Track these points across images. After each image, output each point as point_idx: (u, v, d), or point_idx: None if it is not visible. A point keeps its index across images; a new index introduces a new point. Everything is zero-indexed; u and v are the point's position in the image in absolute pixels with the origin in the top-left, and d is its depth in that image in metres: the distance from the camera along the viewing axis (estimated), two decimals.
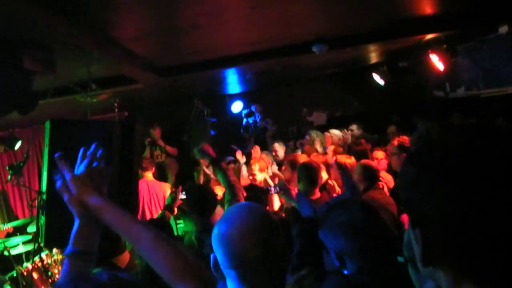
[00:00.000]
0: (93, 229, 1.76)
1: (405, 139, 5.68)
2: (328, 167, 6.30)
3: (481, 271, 0.90)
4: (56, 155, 1.78)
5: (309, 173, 5.06)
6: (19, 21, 4.04)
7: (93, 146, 1.87)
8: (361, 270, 2.32)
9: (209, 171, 8.83)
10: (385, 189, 5.46)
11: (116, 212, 1.69)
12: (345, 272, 2.41)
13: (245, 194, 4.23)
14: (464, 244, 0.90)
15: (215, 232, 1.91)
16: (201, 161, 8.84)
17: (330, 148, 7.09)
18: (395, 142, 5.83)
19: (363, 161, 5.55)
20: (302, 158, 6.35)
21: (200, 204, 4.30)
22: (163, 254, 1.59)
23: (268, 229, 1.88)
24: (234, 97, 12.01)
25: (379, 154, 6.68)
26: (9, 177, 7.35)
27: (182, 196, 5.34)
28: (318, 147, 7.84)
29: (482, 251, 0.88)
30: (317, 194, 5.06)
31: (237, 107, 11.91)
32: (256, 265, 1.83)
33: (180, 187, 5.30)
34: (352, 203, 2.63)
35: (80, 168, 1.78)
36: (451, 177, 0.90)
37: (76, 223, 1.75)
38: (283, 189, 4.71)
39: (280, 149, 8.82)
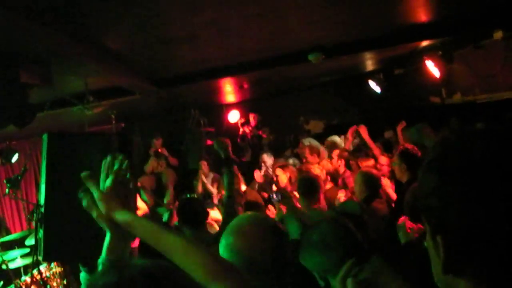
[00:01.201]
0: (124, 241, 1.76)
1: (408, 146, 5.60)
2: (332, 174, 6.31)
3: (503, 278, 0.89)
4: (83, 174, 1.77)
5: (305, 186, 4.95)
6: (16, 35, 4.05)
7: (116, 159, 1.87)
8: None
9: (207, 180, 8.84)
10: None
11: (145, 226, 1.69)
12: None
13: (242, 203, 4.23)
14: (486, 251, 0.90)
15: (223, 243, 1.94)
16: (200, 171, 8.86)
17: (335, 153, 7.06)
18: (398, 150, 5.79)
19: (364, 169, 5.53)
20: (315, 167, 6.29)
21: (190, 217, 4.31)
22: (196, 258, 1.58)
23: (276, 238, 1.91)
24: (231, 106, 12.02)
25: (383, 159, 6.67)
26: (6, 190, 7.32)
27: None
28: (307, 155, 7.83)
29: (504, 258, 0.88)
30: (322, 202, 4.90)
31: (233, 116, 11.91)
32: (265, 273, 1.85)
33: (177, 204, 5.33)
34: (321, 222, 2.64)
35: (106, 184, 1.77)
36: (473, 184, 0.90)
37: (107, 236, 1.75)
38: (285, 197, 4.71)
39: (268, 160, 8.87)
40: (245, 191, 6.82)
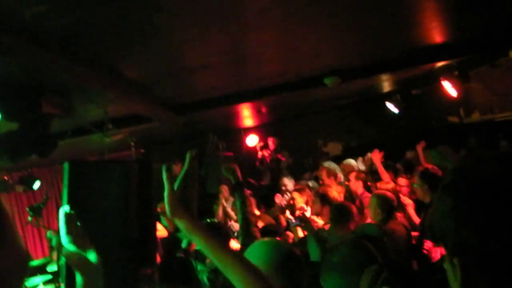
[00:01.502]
0: None
1: (428, 166, 5.56)
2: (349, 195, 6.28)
3: None
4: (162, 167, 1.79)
5: (337, 214, 4.93)
6: (38, 67, 4.15)
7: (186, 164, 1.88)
8: None
9: (227, 204, 8.85)
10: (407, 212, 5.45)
11: (205, 237, 1.71)
12: None
13: (259, 226, 4.22)
14: (502, 272, 0.90)
15: None
16: (220, 195, 8.88)
17: (352, 175, 7.03)
18: (418, 172, 5.75)
19: (378, 191, 5.51)
20: (332, 190, 6.28)
21: None
22: (247, 275, 1.61)
23: (293, 264, 1.92)
24: (249, 130, 12.06)
25: (402, 181, 6.62)
26: (29, 218, 7.42)
27: None
28: (324, 177, 7.80)
29: None
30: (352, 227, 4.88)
31: (252, 140, 11.95)
32: None
33: None
34: (342, 244, 2.66)
35: (175, 185, 1.79)
36: (488, 206, 0.91)
37: None
38: (304, 222, 4.69)
39: (289, 183, 8.85)
40: (259, 216, 6.80)
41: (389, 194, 5.30)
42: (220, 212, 8.74)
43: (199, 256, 5.39)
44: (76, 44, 4.01)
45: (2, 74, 4.16)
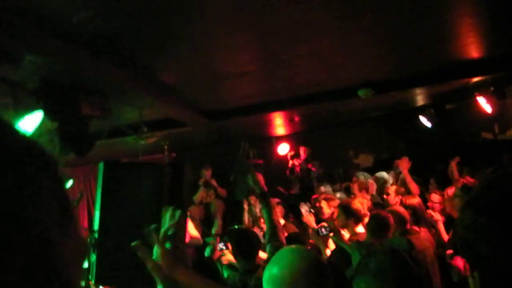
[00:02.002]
0: None
1: (469, 180, 5.51)
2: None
3: None
4: (133, 244, 1.83)
5: (376, 223, 4.91)
6: (80, 70, 4.29)
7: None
8: None
9: (256, 210, 8.89)
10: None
11: (205, 285, 1.76)
12: None
13: (285, 235, 4.24)
14: None
15: (266, 274, 1.98)
16: (244, 201, 8.92)
17: (392, 189, 6.92)
18: (459, 184, 5.71)
19: (390, 208, 5.49)
20: (356, 202, 6.25)
21: (243, 247, 4.37)
22: None
23: (319, 273, 1.94)
24: (281, 139, 12.09)
25: (435, 197, 6.54)
26: None
27: (221, 246, 5.44)
28: (356, 191, 7.71)
29: None
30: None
31: (283, 149, 11.97)
32: None
33: (218, 239, 5.39)
34: (379, 251, 2.68)
35: (167, 244, 1.83)
36: (507, 220, 0.94)
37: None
38: (333, 231, 4.68)
39: (327, 190, 8.81)
40: (283, 225, 6.78)
41: (400, 209, 5.24)
42: (246, 218, 8.78)
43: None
44: (117, 47, 4.13)
45: (46, 75, 4.30)
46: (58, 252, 0.54)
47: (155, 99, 5.78)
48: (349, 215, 5.40)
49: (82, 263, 0.67)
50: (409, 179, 6.85)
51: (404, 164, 6.99)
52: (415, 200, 5.77)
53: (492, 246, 0.95)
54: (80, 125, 4.81)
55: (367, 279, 2.45)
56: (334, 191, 9.20)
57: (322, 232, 4.85)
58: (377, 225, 4.82)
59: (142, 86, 5.21)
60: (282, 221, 7.33)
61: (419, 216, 5.43)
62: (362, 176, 8.91)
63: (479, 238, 0.98)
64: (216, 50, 4.73)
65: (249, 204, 8.90)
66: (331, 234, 4.79)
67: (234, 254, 4.50)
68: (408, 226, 5.05)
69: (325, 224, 5.29)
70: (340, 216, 5.65)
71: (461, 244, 1.05)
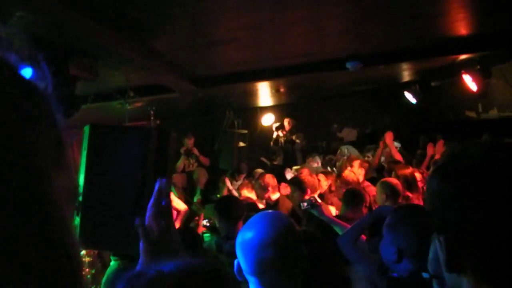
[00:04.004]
0: None
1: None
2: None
3: (500, 276, 0.96)
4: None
5: (350, 197, 5.00)
6: (69, 29, 4.23)
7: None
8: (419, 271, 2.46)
9: (234, 186, 8.94)
10: None
11: None
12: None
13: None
14: (483, 250, 0.96)
15: (239, 239, 1.98)
16: (223, 176, 8.95)
17: (356, 163, 6.98)
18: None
19: (383, 179, 5.54)
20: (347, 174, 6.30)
21: (228, 209, 4.40)
22: None
23: (290, 238, 1.95)
24: (266, 109, 12.10)
25: (416, 175, 6.54)
26: None
27: (205, 223, 5.50)
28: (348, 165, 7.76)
29: (501, 256, 0.95)
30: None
31: (268, 120, 11.99)
32: (277, 272, 1.90)
33: (202, 215, 5.45)
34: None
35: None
36: (469, 187, 0.98)
37: None
38: (312, 205, 4.72)
39: (313, 164, 8.88)
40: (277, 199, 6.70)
41: (393, 180, 5.32)
42: (225, 191, 8.82)
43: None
44: (108, 8, 4.09)
45: (32, 33, 4.24)
46: (52, 184, 0.54)
47: (143, 63, 5.74)
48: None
49: (74, 200, 0.68)
50: (394, 150, 6.96)
51: (389, 137, 7.10)
52: (408, 170, 5.82)
53: (457, 213, 0.99)
54: (67, 86, 4.76)
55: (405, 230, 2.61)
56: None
57: (303, 206, 4.88)
58: (351, 197, 4.92)
59: (130, 49, 5.16)
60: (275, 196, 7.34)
61: (410, 183, 5.47)
62: (345, 149, 8.98)
63: (445, 205, 1.02)
64: (205, 14, 4.69)
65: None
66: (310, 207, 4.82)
67: (217, 216, 4.53)
68: (400, 200, 5.12)
69: (315, 196, 5.34)
70: (339, 189, 5.76)
71: (428, 210, 1.10)
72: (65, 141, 0.66)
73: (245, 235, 1.95)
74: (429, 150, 7.27)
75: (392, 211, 3.06)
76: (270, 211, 2.42)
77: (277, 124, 11.83)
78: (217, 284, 1.32)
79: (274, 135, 11.78)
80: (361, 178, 6.69)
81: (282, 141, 11.64)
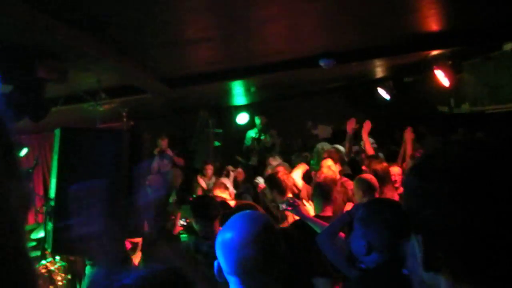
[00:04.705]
0: None
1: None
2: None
3: (478, 275, 0.94)
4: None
5: (320, 190, 4.97)
6: (35, 30, 4.13)
7: None
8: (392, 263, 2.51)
9: (204, 184, 8.91)
10: None
11: None
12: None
13: None
14: (460, 249, 0.95)
15: (219, 239, 1.98)
16: (198, 176, 8.91)
17: (326, 163, 6.93)
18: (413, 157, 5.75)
19: (359, 175, 5.55)
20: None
21: (203, 209, 4.36)
22: None
23: (270, 238, 1.95)
24: (240, 108, 12.07)
25: (395, 169, 6.51)
26: None
27: (182, 222, 5.45)
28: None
29: (478, 255, 0.93)
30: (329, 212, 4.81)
31: (242, 119, 11.97)
32: (257, 272, 1.89)
33: (179, 214, 5.39)
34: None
35: None
36: (446, 185, 0.96)
37: None
38: (291, 205, 4.70)
39: (274, 163, 8.91)
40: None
41: (368, 176, 5.33)
42: (200, 191, 8.81)
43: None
44: (73, 7, 3.99)
45: (0, 36, 4.13)
46: (1, 191, 0.54)
47: (113, 63, 5.64)
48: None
49: (28, 206, 0.66)
50: (367, 141, 7.04)
51: (365, 128, 7.25)
52: (380, 165, 5.83)
53: (433, 212, 0.98)
54: (36, 89, 4.66)
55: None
56: (293, 161, 9.23)
57: (282, 207, 4.85)
58: (321, 193, 4.90)
59: (99, 50, 5.06)
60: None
61: (381, 177, 5.48)
62: (320, 146, 8.98)
63: (422, 203, 1.01)
64: (176, 13, 4.62)
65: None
66: (290, 208, 4.79)
67: (193, 217, 4.49)
68: (377, 194, 5.12)
69: (290, 196, 5.32)
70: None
71: (406, 209, 1.08)
72: (15, 147, 0.64)
73: (225, 235, 1.95)
74: (407, 136, 7.35)
75: (364, 204, 3.12)
76: (248, 211, 2.40)
77: (251, 122, 11.82)
78: None
79: (248, 134, 11.75)
80: (337, 174, 6.68)
81: (256, 141, 11.62)
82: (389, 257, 2.56)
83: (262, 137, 11.42)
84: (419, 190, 1.02)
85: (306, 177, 6.64)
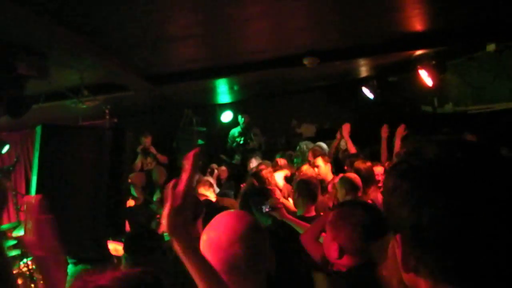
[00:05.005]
0: None
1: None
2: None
3: (457, 276, 0.94)
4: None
5: (303, 189, 4.95)
6: (15, 25, 4.07)
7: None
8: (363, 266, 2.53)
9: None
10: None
11: (199, 261, 1.66)
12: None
13: None
14: (438, 249, 0.95)
15: (204, 238, 1.96)
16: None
17: (322, 160, 6.93)
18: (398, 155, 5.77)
19: (342, 174, 5.56)
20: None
21: None
22: None
23: (256, 236, 1.94)
24: (224, 107, 12.04)
25: (378, 169, 6.51)
26: None
27: None
28: (310, 158, 7.76)
29: (457, 256, 0.93)
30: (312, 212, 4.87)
31: (226, 117, 11.94)
32: (244, 269, 1.88)
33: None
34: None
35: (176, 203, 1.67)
36: (424, 185, 0.96)
37: None
38: (273, 208, 4.69)
39: (255, 162, 8.92)
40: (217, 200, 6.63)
41: (351, 175, 5.34)
42: None
43: None
44: (55, 3, 3.93)
45: None
46: None
47: (96, 60, 5.59)
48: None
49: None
50: (350, 143, 7.10)
51: (346, 128, 7.42)
52: (363, 165, 5.85)
53: (412, 211, 0.97)
54: (16, 86, 4.60)
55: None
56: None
57: (265, 209, 4.82)
58: (306, 193, 4.90)
59: (80, 46, 5.00)
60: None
61: (365, 177, 5.50)
62: (304, 145, 8.99)
63: (400, 203, 1.00)
64: (162, 11, 4.58)
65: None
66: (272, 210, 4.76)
67: None
68: (360, 193, 5.13)
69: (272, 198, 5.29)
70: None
71: (385, 207, 1.08)
72: None
73: (211, 234, 1.94)
74: (384, 135, 7.39)
75: (335, 208, 3.15)
76: (233, 210, 2.40)
77: (235, 120, 11.80)
78: None
79: (231, 133, 11.72)
80: (329, 175, 6.67)
81: (239, 139, 11.59)
82: (361, 260, 2.57)
83: (242, 142, 11.38)
84: (398, 188, 1.02)
85: (287, 178, 6.65)
